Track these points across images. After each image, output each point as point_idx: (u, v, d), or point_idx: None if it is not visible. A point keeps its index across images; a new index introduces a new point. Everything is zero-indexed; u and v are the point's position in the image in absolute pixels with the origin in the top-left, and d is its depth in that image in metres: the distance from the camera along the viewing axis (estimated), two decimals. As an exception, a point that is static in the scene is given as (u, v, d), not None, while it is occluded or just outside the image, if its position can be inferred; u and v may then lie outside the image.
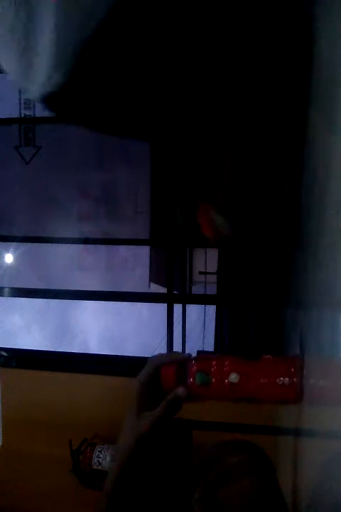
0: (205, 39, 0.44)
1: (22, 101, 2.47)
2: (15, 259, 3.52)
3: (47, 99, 0.45)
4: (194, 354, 0.68)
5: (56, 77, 0.42)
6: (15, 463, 1.51)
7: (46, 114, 2.39)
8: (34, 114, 2.51)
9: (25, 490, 1.40)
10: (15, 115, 2.50)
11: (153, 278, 3.57)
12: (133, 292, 2.93)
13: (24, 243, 2.90)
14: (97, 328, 5.40)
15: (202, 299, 3.09)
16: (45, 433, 1.55)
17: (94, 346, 5.27)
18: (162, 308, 1.86)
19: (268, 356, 0.63)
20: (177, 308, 1.97)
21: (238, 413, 1.20)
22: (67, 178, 2.89)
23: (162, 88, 0.46)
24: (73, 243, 2.93)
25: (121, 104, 0.47)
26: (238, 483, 0.68)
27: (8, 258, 3.60)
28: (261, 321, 2.95)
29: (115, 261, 3.47)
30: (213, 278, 3.97)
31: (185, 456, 0.71)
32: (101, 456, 1.43)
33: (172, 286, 1.91)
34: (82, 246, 3.25)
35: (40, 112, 2.44)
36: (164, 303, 1.85)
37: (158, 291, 3.29)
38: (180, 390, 0.63)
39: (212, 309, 4.01)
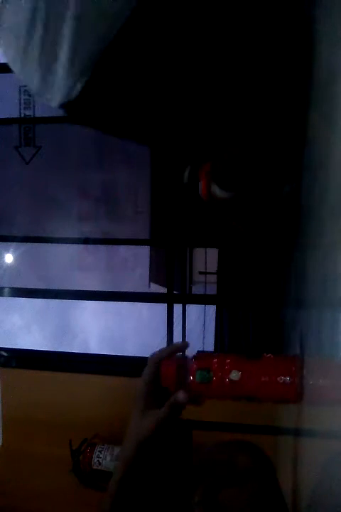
0: (208, 42, 0.45)
1: (22, 101, 2.47)
2: (15, 259, 3.52)
3: (68, 107, 0.46)
4: (194, 354, 0.68)
5: (77, 86, 0.43)
6: (15, 463, 1.51)
7: (46, 114, 2.40)
8: (34, 114, 2.51)
9: (25, 490, 1.40)
10: (16, 115, 2.50)
11: (153, 278, 3.58)
12: (133, 292, 2.93)
13: (24, 243, 2.90)
14: (97, 328, 5.40)
15: (202, 299, 3.09)
16: (45, 433, 1.55)
17: (94, 346, 5.27)
18: (162, 308, 1.86)
19: (269, 355, 0.63)
20: (177, 308, 1.97)
21: (238, 413, 1.20)
22: (67, 178, 2.89)
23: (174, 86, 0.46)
24: (73, 243, 2.93)
25: (136, 106, 0.48)
26: (238, 486, 0.68)
27: (8, 258, 3.60)
28: (261, 321, 2.95)
29: (115, 261, 3.47)
30: (213, 278, 3.96)
31: (185, 456, 0.71)
32: (101, 456, 1.43)
33: (172, 286, 1.91)
34: (82, 246, 3.25)
35: (40, 112, 2.44)
36: (164, 303, 1.85)
37: (158, 291, 3.29)
38: (181, 396, 0.63)
39: (212, 309, 4.01)
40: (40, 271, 3.23)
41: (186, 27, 0.43)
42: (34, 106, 2.46)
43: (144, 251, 3.53)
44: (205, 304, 3.63)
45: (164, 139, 0.55)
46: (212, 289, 4.20)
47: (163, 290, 2.86)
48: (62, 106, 0.47)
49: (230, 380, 0.62)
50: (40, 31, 0.43)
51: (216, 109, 0.51)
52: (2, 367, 1.70)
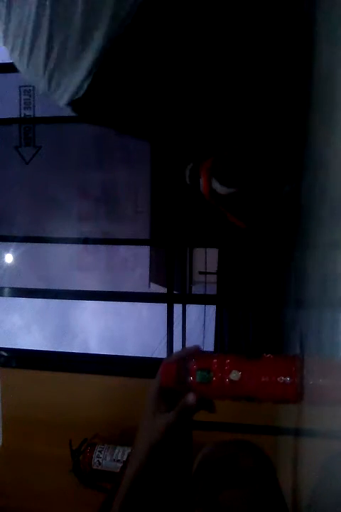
0: (210, 42, 0.45)
1: (22, 101, 2.47)
2: (15, 259, 3.53)
3: (75, 105, 0.47)
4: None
5: (84, 85, 0.44)
6: (15, 463, 1.51)
7: (46, 114, 2.40)
8: (34, 114, 2.51)
9: (25, 490, 1.40)
10: (16, 115, 2.50)
11: (153, 278, 3.58)
12: (133, 292, 2.93)
13: (24, 243, 2.90)
14: (97, 328, 5.40)
15: (202, 299, 3.09)
16: (45, 433, 1.55)
17: (94, 346, 5.27)
18: (162, 308, 1.86)
19: (269, 355, 0.63)
20: (177, 308, 1.97)
21: (238, 413, 1.20)
22: (67, 178, 2.89)
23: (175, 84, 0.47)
24: (73, 243, 2.93)
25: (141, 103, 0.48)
26: (239, 486, 0.68)
27: (8, 258, 3.60)
28: (261, 321, 2.95)
29: (115, 261, 3.48)
30: (213, 278, 3.96)
31: (185, 456, 0.71)
32: (101, 456, 1.43)
33: (172, 286, 1.91)
34: (82, 246, 3.25)
35: (40, 112, 2.44)
36: (164, 303, 1.85)
37: (158, 291, 3.29)
38: (190, 398, 0.63)
39: (212, 309, 4.01)
40: (40, 271, 3.23)
41: (188, 26, 0.44)
42: (34, 106, 2.46)
43: (144, 251, 3.54)
44: (205, 304, 3.63)
45: (166, 135, 0.56)
46: (212, 289, 4.20)
47: (163, 290, 2.87)
48: (70, 104, 0.48)
49: (230, 380, 0.62)
50: (47, 32, 0.43)
51: (217, 107, 0.51)
52: (2, 367, 1.70)
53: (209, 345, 3.91)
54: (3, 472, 1.48)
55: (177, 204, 1.93)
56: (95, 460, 1.43)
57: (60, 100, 0.48)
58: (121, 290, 3.33)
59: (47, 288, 2.37)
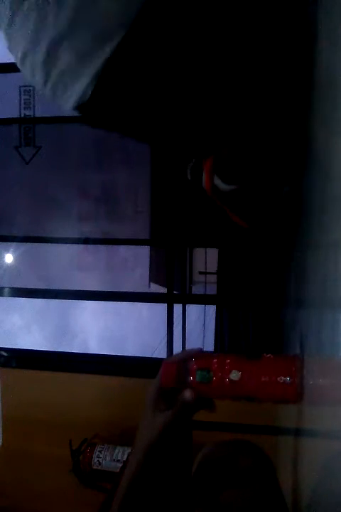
0: (209, 40, 0.45)
1: (22, 101, 2.47)
2: (15, 259, 3.53)
3: (81, 108, 0.47)
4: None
5: (89, 89, 0.44)
6: (15, 463, 1.51)
7: (46, 114, 2.40)
8: (34, 114, 2.51)
9: (25, 490, 1.40)
10: (16, 115, 2.50)
11: (153, 278, 3.58)
12: (133, 292, 2.93)
13: (24, 243, 2.90)
14: (97, 328, 5.40)
15: (202, 299, 3.09)
16: (45, 433, 1.55)
17: (94, 346, 5.27)
18: (162, 308, 1.86)
19: (269, 355, 0.63)
20: (177, 308, 1.97)
21: (238, 413, 1.20)
22: (67, 178, 2.89)
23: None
24: (73, 243, 2.93)
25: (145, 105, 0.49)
26: (239, 486, 0.68)
27: (8, 258, 3.60)
28: (261, 321, 2.95)
29: (115, 261, 3.48)
30: (213, 278, 3.97)
31: (185, 456, 0.71)
32: (101, 456, 1.43)
33: (172, 286, 1.91)
34: (82, 246, 3.25)
35: (40, 112, 2.44)
36: (164, 303, 1.85)
37: (158, 291, 3.29)
38: (187, 394, 0.63)
39: (212, 309, 4.01)
40: (40, 271, 3.23)
41: (187, 25, 0.44)
42: (34, 106, 2.46)
43: (144, 251, 3.54)
44: (205, 304, 3.63)
45: (168, 132, 0.55)
46: (212, 289, 4.20)
47: (163, 290, 2.87)
48: (76, 108, 0.48)
49: (230, 380, 0.62)
50: (50, 36, 0.43)
51: (218, 103, 0.51)
52: (2, 367, 1.70)
53: (209, 345, 3.91)
54: (3, 472, 1.48)
55: (177, 204, 1.93)
56: (95, 460, 1.43)
57: (66, 105, 0.48)
58: (121, 290, 3.33)
59: (47, 288, 2.37)
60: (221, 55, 0.46)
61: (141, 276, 3.53)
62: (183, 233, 2.14)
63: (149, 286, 3.63)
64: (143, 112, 0.50)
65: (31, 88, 2.37)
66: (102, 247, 3.41)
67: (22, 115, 2.49)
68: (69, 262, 3.26)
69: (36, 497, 1.36)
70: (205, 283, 4.37)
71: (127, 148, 2.76)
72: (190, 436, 0.70)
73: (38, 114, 2.48)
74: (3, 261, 3.60)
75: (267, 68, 0.51)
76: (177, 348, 1.84)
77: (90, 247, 3.34)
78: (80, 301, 3.31)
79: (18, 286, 2.23)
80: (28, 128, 2.60)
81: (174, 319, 1.82)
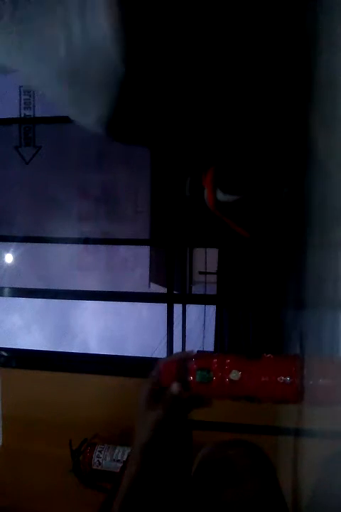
0: (208, 45, 0.45)
1: (22, 101, 2.47)
2: (15, 259, 3.53)
3: (103, 127, 0.49)
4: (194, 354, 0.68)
5: (109, 111, 0.46)
6: (15, 463, 1.51)
7: (46, 114, 2.40)
8: (34, 114, 2.51)
9: (25, 490, 1.40)
10: (16, 115, 2.50)
11: (153, 278, 3.58)
12: (133, 292, 2.93)
13: (24, 243, 2.90)
14: (97, 328, 5.40)
15: (202, 299, 3.08)
16: (45, 433, 1.55)
17: (94, 346, 5.27)
18: (162, 308, 1.86)
19: (269, 355, 0.63)
20: (177, 308, 1.97)
21: (238, 413, 1.20)
22: (67, 178, 2.89)
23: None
24: (73, 243, 2.93)
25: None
26: (238, 486, 0.68)
27: (8, 258, 3.60)
28: (261, 321, 2.95)
29: (115, 261, 3.48)
30: (213, 278, 3.96)
31: (185, 456, 0.71)
32: (101, 456, 1.43)
33: (172, 286, 1.91)
34: (82, 246, 3.25)
35: (40, 112, 2.44)
36: (164, 303, 1.85)
37: (158, 291, 3.29)
38: (174, 387, 0.63)
39: (212, 309, 4.01)
40: (40, 271, 3.23)
41: (185, 34, 0.44)
42: (34, 106, 2.46)
43: (144, 251, 3.54)
44: (205, 304, 3.63)
45: (167, 146, 0.57)
46: (212, 289, 4.20)
47: (163, 290, 2.87)
48: (99, 128, 0.50)
49: (230, 380, 0.62)
50: (71, 65, 0.45)
51: (216, 112, 0.52)
52: (2, 367, 1.70)
53: (209, 345, 3.91)
54: (3, 472, 1.48)
55: (177, 204, 1.93)
56: (95, 460, 1.43)
57: (90, 127, 0.51)
58: (121, 290, 3.33)
59: (47, 288, 2.37)
60: (219, 56, 0.47)
61: (141, 276, 3.53)
62: (183, 233, 2.14)
63: (149, 286, 3.63)
64: (148, 127, 0.51)
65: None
66: (102, 247, 3.41)
67: (22, 115, 2.49)
68: (69, 262, 3.26)
69: (36, 497, 1.36)
70: (205, 283, 4.37)
71: (127, 149, 2.77)
72: (190, 436, 0.71)
73: (38, 114, 2.49)
74: (3, 261, 3.60)
75: (267, 69, 0.51)
76: (177, 348, 1.84)
77: (90, 247, 3.34)
78: (80, 301, 3.32)
79: (18, 286, 2.23)
80: (28, 128, 2.60)
81: (174, 319, 1.82)
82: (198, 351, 0.72)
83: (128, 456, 0.72)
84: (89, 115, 0.49)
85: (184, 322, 2.31)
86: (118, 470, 1.37)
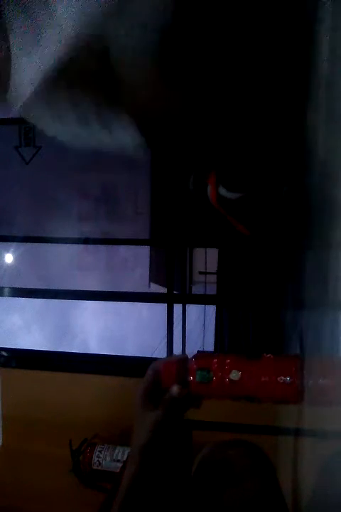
0: (209, 45, 0.45)
1: (22, 101, 2.46)
2: (15, 259, 3.52)
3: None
4: (194, 354, 0.68)
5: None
6: (15, 463, 1.51)
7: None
8: (34, 114, 2.50)
9: (25, 490, 1.39)
10: (16, 115, 2.50)
11: (153, 278, 3.57)
12: (133, 292, 2.93)
13: (24, 243, 2.90)
14: (97, 328, 5.39)
15: (202, 299, 3.09)
16: (45, 433, 1.55)
17: (94, 346, 5.26)
18: (162, 308, 1.86)
19: (269, 355, 0.63)
20: (177, 308, 1.97)
21: (238, 413, 1.20)
22: (67, 179, 2.89)
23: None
24: (73, 243, 2.94)
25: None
26: (238, 486, 0.68)
27: (8, 258, 3.60)
28: (261, 321, 2.95)
29: (115, 261, 3.47)
30: (213, 278, 3.96)
31: (185, 456, 0.71)
32: (101, 456, 1.43)
33: (172, 286, 1.91)
34: (82, 246, 3.25)
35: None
36: (164, 303, 1.85)
37: (158, 291, 3.29)
38: (174, 389, 0.63)
39: (212, 309, 4.00)
40: (40, 271, 3.22)
41: (185, 36, 0.44)
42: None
43: (144, 251, 3.53)
44: (205, 304, 3.63)
45: (169, 147, 0.57)
46: (212, 289, 4.20)
47: (163, 290, 2.86)
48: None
49: (230, 380, 0.62)
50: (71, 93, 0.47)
51: (217, 111, 0.52)
52: (2, 367, 1.70)
53: (209, 345, 3.90)
54: (3, 472, 1.48)
55: (177, 204, 1.93)
56: (95, 460, 1.43)
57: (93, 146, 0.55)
58: (121, 290, 3.33)
59: (47, 288, 2.37)
60: (220, 56, 0.47)
61: (141, 276, 3.53)
62: (183, 233, 2.15)
63: (149, 286, 3.63)
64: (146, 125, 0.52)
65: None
66: (102, 247, 3.41)
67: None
68: (69, 262, 3.26)
69: (36, 497, 1.35)
70: (205, 283, 4.36)
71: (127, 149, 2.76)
72: (190, 436, 0.71)
73: (38, 114, 2.48)
74: (3, 261, 3.60)
75: (267, 69, 0.51)
76: (177, 348, 1.84)
77: (90, 247, 3.34)
78: (80, 301, 3.31)
79: (18, 286, 2.23)
80: (28, 128, 2.60)
81: (174, 319, 1.82)
82: (198, 351, 0.72)
83: (128, 456, 0.72)
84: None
85: (184, 322, 2.32)
86: (118, 470, 1.37)
